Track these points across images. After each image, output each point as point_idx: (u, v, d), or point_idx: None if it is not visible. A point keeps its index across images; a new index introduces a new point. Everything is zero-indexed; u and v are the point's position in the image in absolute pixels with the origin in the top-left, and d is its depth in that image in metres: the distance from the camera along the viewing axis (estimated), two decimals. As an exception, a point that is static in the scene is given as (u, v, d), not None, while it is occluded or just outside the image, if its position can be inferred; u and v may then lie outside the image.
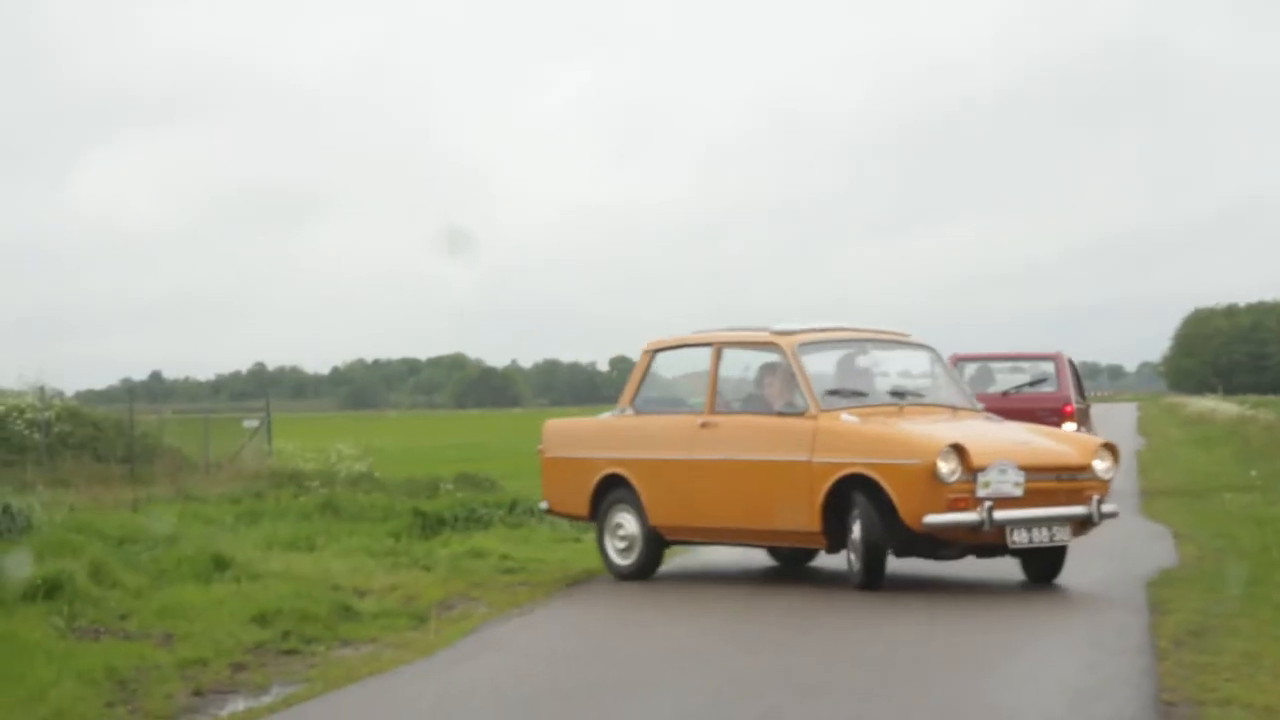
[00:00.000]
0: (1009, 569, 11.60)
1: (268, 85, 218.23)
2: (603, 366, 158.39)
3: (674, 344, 12.84)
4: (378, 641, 9.64)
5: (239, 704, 7.82)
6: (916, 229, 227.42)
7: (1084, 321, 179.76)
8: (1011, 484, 10.73)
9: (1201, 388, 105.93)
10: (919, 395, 12.09)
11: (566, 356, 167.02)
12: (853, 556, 11.08)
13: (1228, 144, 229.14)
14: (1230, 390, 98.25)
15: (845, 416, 11.32)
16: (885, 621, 9.83)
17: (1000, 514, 10.66)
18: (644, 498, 12.31)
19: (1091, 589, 11.19)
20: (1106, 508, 11.18)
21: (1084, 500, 11.04)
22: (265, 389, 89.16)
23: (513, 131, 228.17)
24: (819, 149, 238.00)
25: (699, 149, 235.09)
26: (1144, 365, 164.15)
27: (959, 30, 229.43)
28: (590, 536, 15.62)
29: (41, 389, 27.88)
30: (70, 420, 27.89)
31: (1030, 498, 10.82)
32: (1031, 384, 18.94)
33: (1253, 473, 21.48)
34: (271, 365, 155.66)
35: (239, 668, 8.69)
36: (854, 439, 11.13)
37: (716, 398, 12.21)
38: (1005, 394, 18.22)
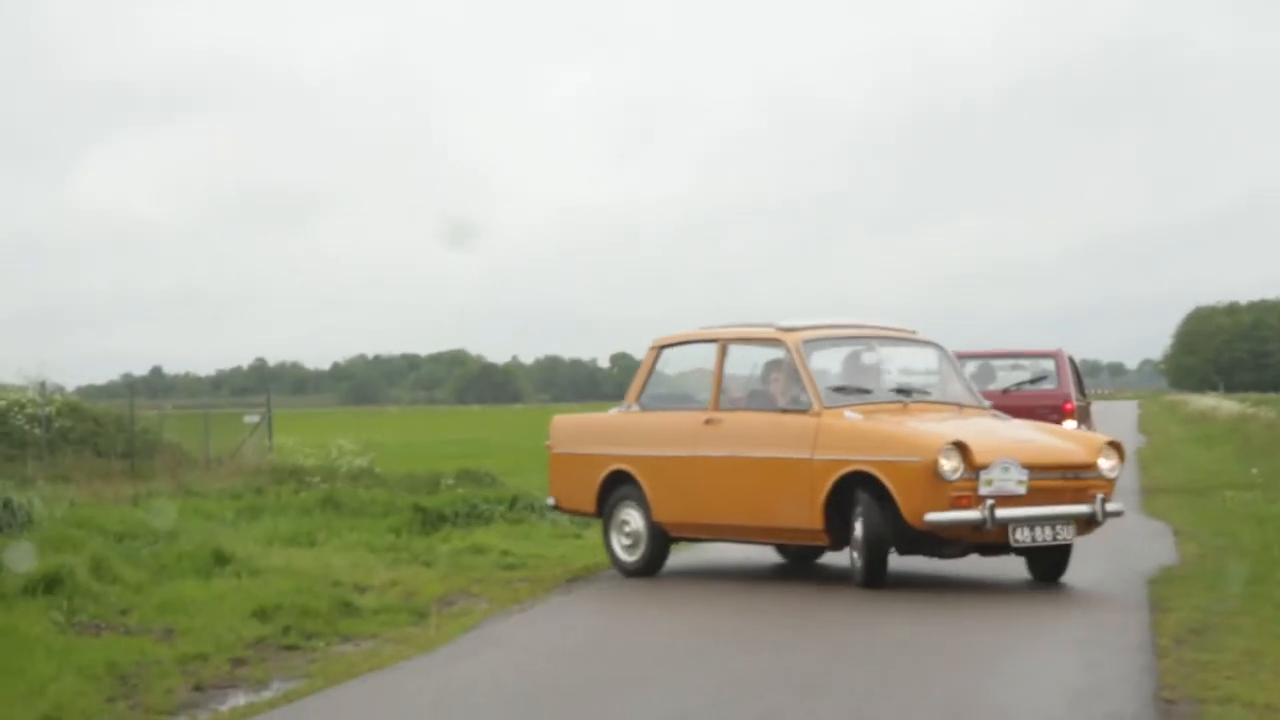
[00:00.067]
0: (1013, 568, 11.58)
1: (269, 83, 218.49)
2: (604, 363, 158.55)
3: (680, 340, 12.83)
4: (378, 637, 9.63)
5: (239, 699, 7.82)
6: (917, 228, 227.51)
7: (1085, 319, 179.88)
8: (1014, 482, 10.69)
9: (1203, 385, 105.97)
10: (925, 393, 12.05)
11: (567, 353, 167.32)
12: (855, 555, 11.06)
13: (1228, 143, 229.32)
14: (1231, 388, 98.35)
15: (848, 414, 11.29)
16: (886, 620, 9.82)
17: (1002, 512, 10.62)
18: (649, 494, 12.30)
19: (1092, 587, 11.18)
20: (1111, 506, 11.14)
21: (1088, 499, 11.00)
22: (266, 384, 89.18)
23: (513, 130, 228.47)
24: (819, 148, 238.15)
25: (699, 148, 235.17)
26: (1145, 363, 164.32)
27: (959, 30, 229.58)
28: (590, 533, 15.65)
29: (42, 384, 27.88)
30: (71, 415, 27.89)
31: (1034, 496, 10.78)
32: (1032, 381, 18.90)
33: (1254, 470, 21.49)
34: (272, 361, 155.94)
35: (239, 663, 8.69)
36: (856, 436, 11.10)
37: (722, 394, 12.18)
38: (1005, 391, 18.19)
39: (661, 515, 12.25)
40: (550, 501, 13.64)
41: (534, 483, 21.59)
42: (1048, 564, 11.35)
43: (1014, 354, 19.88)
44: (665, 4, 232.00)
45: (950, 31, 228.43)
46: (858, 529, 10.96)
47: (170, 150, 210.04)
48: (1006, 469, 10.68)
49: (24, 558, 10.57)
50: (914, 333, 12.59)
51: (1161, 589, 10.94)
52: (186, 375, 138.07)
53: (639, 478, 12.40)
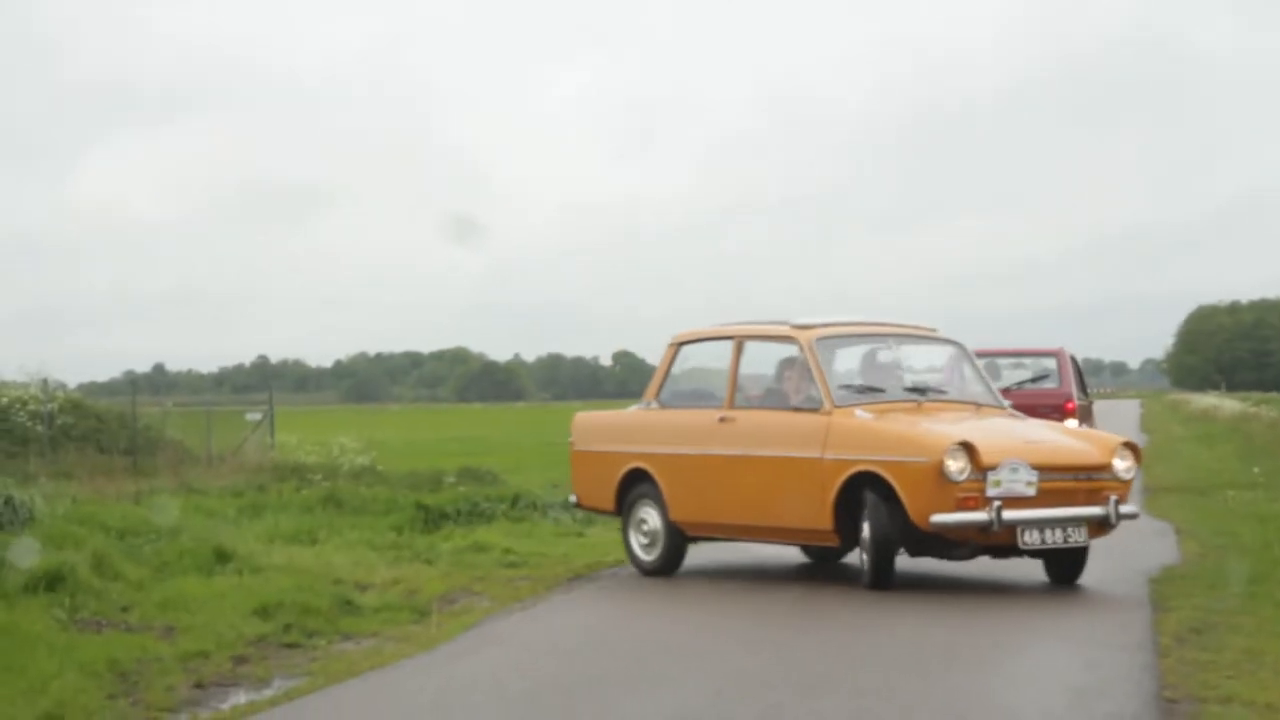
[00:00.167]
0: (1026, 570, 11.44)
1: (269, 82, 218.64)
2: (606, 361, 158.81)
3: (698, 337, 12.74)
4: (379, 635, 9.63)
5: (240, 697, 7.82)
6: (918, 226, 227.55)
7: (1087, 318, 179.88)
8: (1024, 483, 10.54)
9: (1204, 384, 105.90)
10: (941, 392, 11.95)
11: (569, 351, 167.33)
12: (864, 556, 10.96)
13: (1229, 142, 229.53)
14: (1233, 387, 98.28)
15: (859, 413, 11.19)
16: (889, 619, 9.82)
17: (1010, 514, 10.48)
18: (665, 493, 12.25)
19: (1093, 586, 11.16)
20: (1125, 509, 10.96)
21: (1102, 501, 10.84)
22: (268, 382, 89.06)
23: (514, 129, 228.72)
24: (820, 147, 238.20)
25: (699, 147, 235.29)
26: (1147, 362, 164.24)
27: (959, 30, 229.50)
28: (592, 531, 15.67)
29: (44, 381, 27.91)
30: (73, 412, 27.93)
31: (1044, 498, 10.62)
32: (1033, 380, 18.88)
33: (1255, 470, 21.50)
34: (274, 358, 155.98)
35: (240, 660, 8.69)
36: (865, 436, 10.99)
37: (737, 392, 12.10)
38: (1007, 390, 18.18)
39: (678, 514, 12.20)
40: (572, 499, 13.60)
41: (536, 481, 21.63)
42: (1063, 566, 11.19)
43: (1015, 353, 19.86)
44: (665, 4, 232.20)
45: (950, 31, 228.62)
46: (865, 530, 10.85)
47: (170, 150, 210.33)
48: (1015, 470, 10.53)
49: (27, 553, 10.56)
50: (934, 331, 12.45)
51: (1163, 588, 10.93)
52: (189, 372, 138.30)
53: (656, 476, 12.35)
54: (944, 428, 10.95)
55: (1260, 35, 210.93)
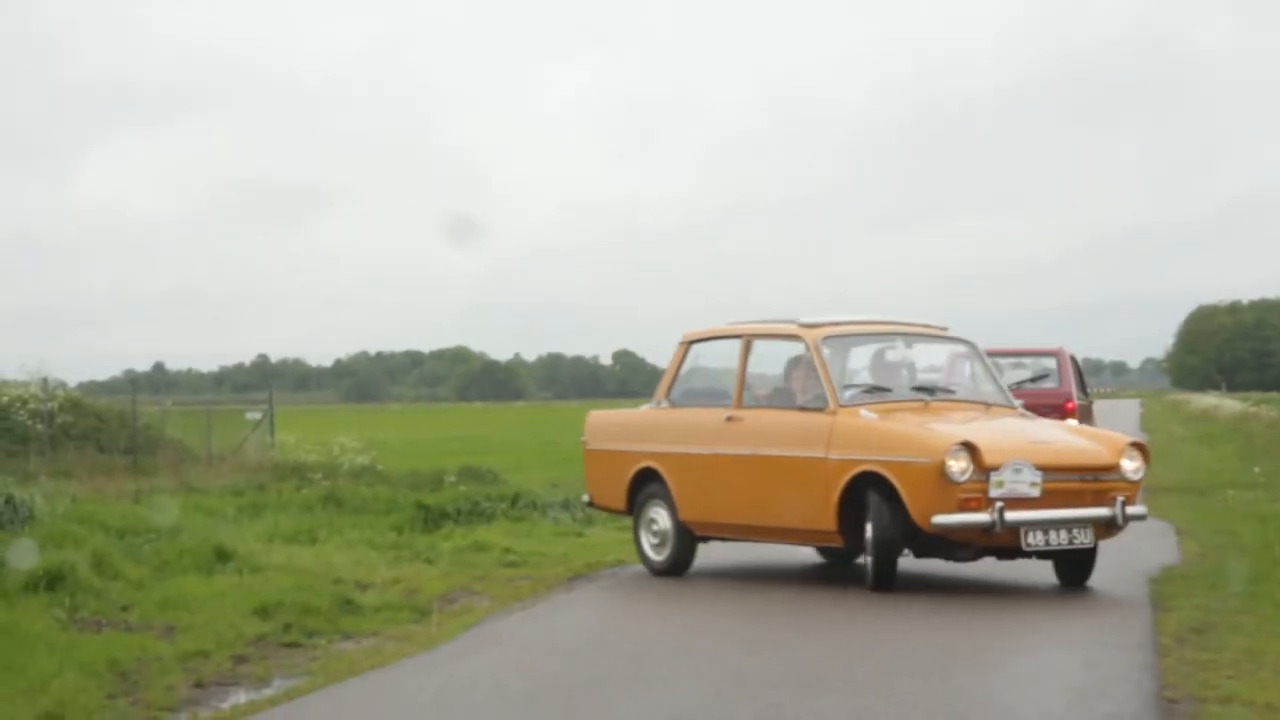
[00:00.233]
0: (1033, 571, 11.38)
1: (269, 82, 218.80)
2: (606, 360, 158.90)
3: (708, 335, 12.69)
4: (379, 635, 9.63)
5: (240, 696, 7.81)
6: (917, 228, 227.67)
7: (1087, 318, 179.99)
8: (1027, 484, 10.43)
9: (1205, 384, 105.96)
10: (949, 391, 11.89)
11: (570, 350, 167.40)
12: (868, 557, 10.87)
13: (1229, 142, 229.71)
14: (1233, 387, 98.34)
15: (864, 413, 11.11)
16: (890, 620, 9.82)
17: (1013, 515, 10.37)
18: (674, 492, 12.21)
19: (1094, 585, 11.14)
20: (1132, 510, 10.80)
21: (1108, 502, 10.71)
22: (268, 381, 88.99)
23: (514, 129, 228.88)
24: (820, 147, 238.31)
25: (699, 147, 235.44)
26: (1147, 362, 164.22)
27: (959, 30, 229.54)
28: (592, 531, 15.68)
29: (44, 380, 27.91)
30: (73, 411, 27.93)
31: (1049, 498, 10.52)
32: (1033, 380, 18.86)
33: (1255, 469, 21.51)
34: (275, 357, 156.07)
35: (240, 660, 8.69)
36: (868, 436, 10.90)
37: (745, 391, 12.03)
38: (1007, 390, 18.19)
39: (686, 514, 12.15)
40: (585, 498, 13.58)
41: (536, 480, 21.64)
42: (1071, 568, 11.09)
43: (1015, 352, 19.83)
44: (665, 4, 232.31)
45: (950, 31, 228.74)
46: (867, 530, 10.77)
47: (170, 150, 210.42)
48: (1019, 471, 10.42)
49: (25, 555, 10.56)
50: (945, 329, 12.35)
51: (1163, 588, 10.93)
52: (189, 371, 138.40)
53: (665, 475, 12.31)
54: (947, 428, 10.85)
55: (1260, 35, 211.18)
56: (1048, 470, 10.56)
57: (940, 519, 10.41)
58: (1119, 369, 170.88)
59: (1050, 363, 19.20)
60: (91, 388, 49.41)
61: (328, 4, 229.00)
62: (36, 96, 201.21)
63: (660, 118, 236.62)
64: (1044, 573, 11.35)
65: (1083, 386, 20.06)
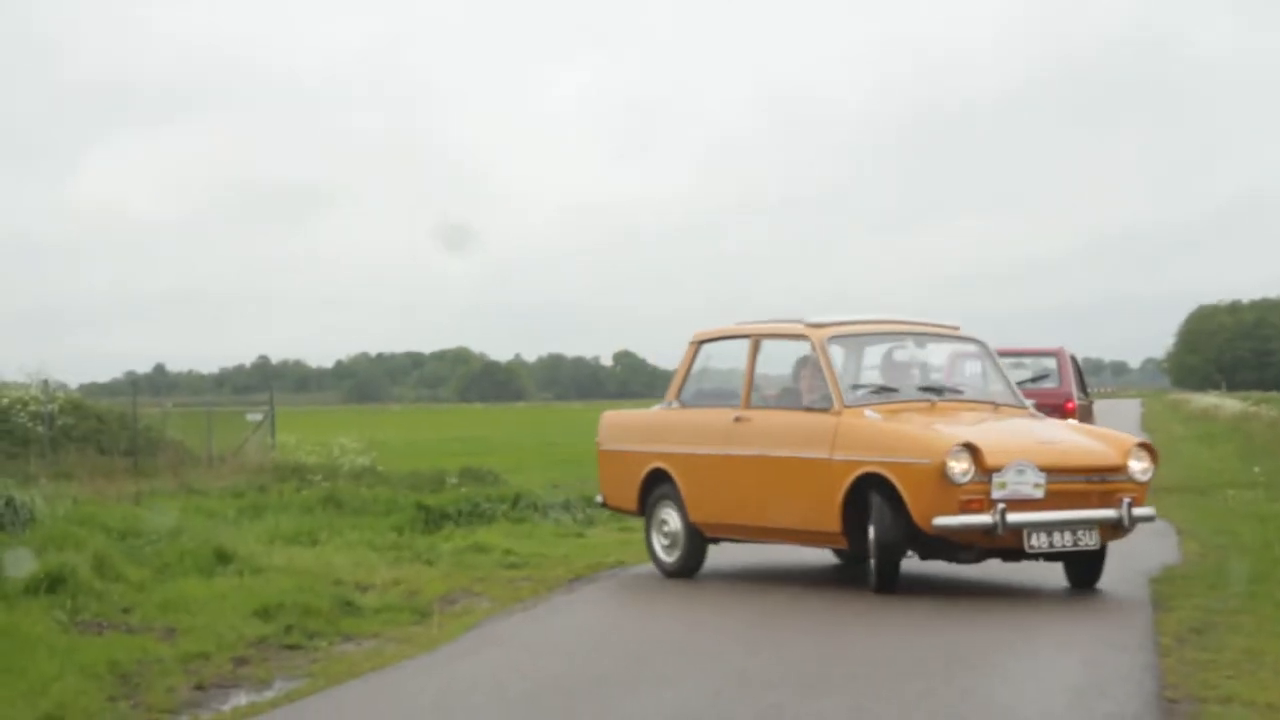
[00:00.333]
0: (1042, 573, 11.33)
1: (269, 82, 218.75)
2: (606, 361, 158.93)
3: (718, 335, 12.64)
4: (380, 636, 9.63)
5: (241, 698, 7.82)
6: (917, 228, 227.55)
7: (1087, 318, 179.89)
8: (1030, 485, 10.33)
9: (1205, 384, 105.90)
10: (957, 391, 11.81)
11: (570, 351, 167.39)
12: (871, 559, 10.81)
13: (1230, 141, 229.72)
14: (1234, 387, 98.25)
15: (868, 413, 11.02)
16: (889, 620, 9.82)
17: (1015, 516, 10.28)
18: (684, 493, 12.18)
19: (1095, 586, 11.14)
20: (1140, 511, 10.68)
21: (1115, 503, 10.59)
22: (269, 382, 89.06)
23: (514, 129, 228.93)
24: (820, 147, 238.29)
25: (699, 147, 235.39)
26: (1148, 361, 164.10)
27: (959, 30, 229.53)
28: (592, 532, 15.70)
29: (45, 382, 27.90)
30: (73, 413, 27.93)
31: (1054, 500, 10.41)
32: (1033, 380, 18.83)
33: (1256, 469, 21.50)
34: (275, 359, 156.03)
35: (241, 662, 8.69)
36: (871, 436, 10.83)
37: (754, 391, 11.99)
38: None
39: (696, 515, 12.12)
40: (599, 499, 13.57)
41: (537, 481, 21.65)
42: (1080, 570, 11.00)
43: (1015, 352, 19.79)
44: (665, 4, 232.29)
45: (950, 31, 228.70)
46: (870, 532, 10.71)
47: (170, 150, 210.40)
48: (1022, 472, 10.33)
49: (22, 562, 10.53)
50: (956, 329, 12.23)
51: (1163, 587, 10.93)
52: (189, 373, 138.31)
53: (675, 476, 12.28)
54: (950, 429, 10.74)
55: (1260, 35, 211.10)
56: (1052, 471, 10.46)
57: (941, 521, 10.33)
58: (1119, 369, 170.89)
59: (1050, 363, 19.20)
60: (92, 389, 49.44)
61: (328, 4, 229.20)
62: (36, 96, 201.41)
63: (660, 118, 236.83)
64: (1049, 574, 11.33)
65: (1083, 386, 20.06)
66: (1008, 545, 10.50)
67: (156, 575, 11.49)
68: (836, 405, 11.16)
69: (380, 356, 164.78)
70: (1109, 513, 10.59)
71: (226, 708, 7.59)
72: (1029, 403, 11.97)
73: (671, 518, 12.33)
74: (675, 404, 12.67)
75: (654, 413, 12.98)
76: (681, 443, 12.32)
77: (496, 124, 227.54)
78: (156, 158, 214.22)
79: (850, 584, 11.38)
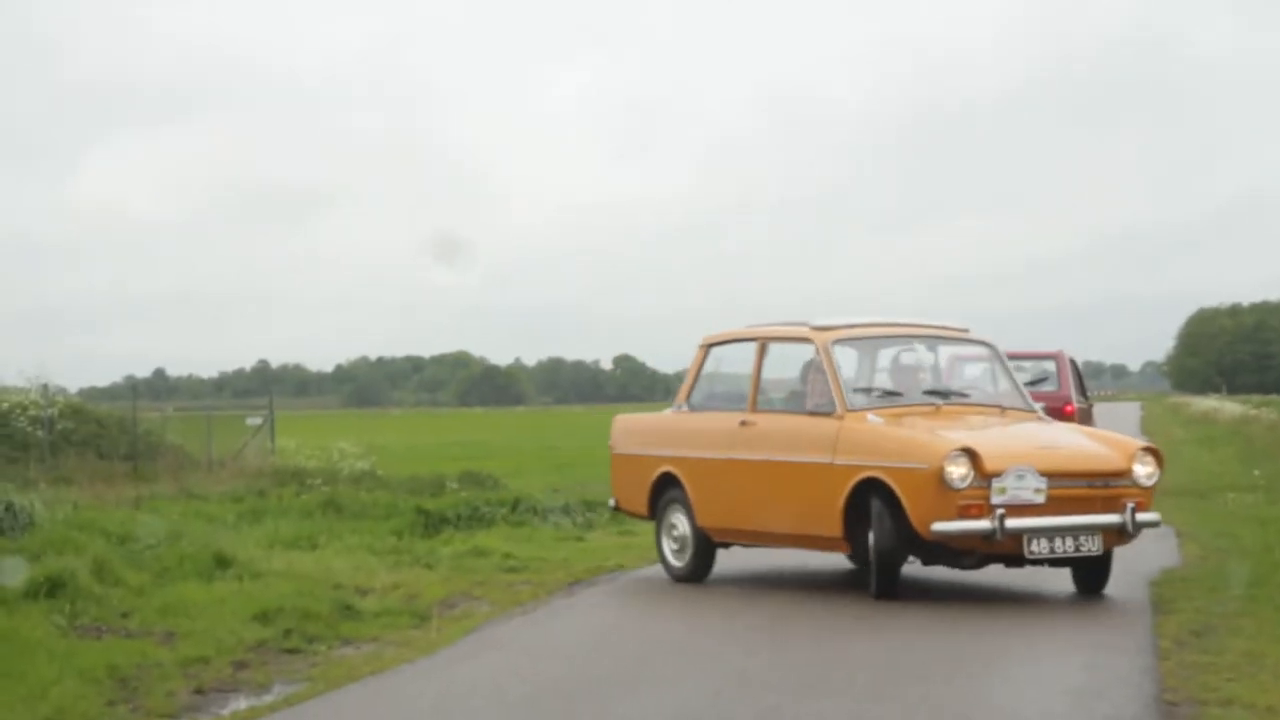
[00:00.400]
0: (1047, 579, 11.29)
1: (269, 82, 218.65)
2: (606, 364, 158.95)
3: (726, 338, 12.60)
4: (379, 640, 9.63)
5: (240, 702, 7.82)
6: (917, 228, 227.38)
7: (1087, 319, 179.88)
8: (1031, 490, 10.23)
9: (1205, 387, 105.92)
10: (963, 395, 11.68)
11: (570, 354, 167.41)
12: (871, 564, 10.74)
13: (1230, 141, 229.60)
14: (1234, 390, 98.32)
15: (871, 417, 10.94)
16: (889, 623, 9.82)
17: (1015, 522, 10.17)
18: (692, 498, 12.14)
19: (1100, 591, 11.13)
20: (1145, 516, 10.57)
21: (1118, 508, 10.48)
22: (268, 386, 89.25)
23: (514, 130, 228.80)
24: (820, 147, 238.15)
25: (699, 147, 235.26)
26: (1148, 364, 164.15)
27: (959, 30, 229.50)
28: (592, 536, 15.70)
29: (45, 386, 27.88)
30: (73, 417, 27.90)
31: (1055, 505, 10.31)
32: (1032, 383, 18.80)
33: (1256, 472, 21.51)
34: (275, 363, 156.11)
35: (241, 666, 8.69)
36: (873, 441, 10.75)
37: (760, 395, 11.93)
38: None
39: (704, 519, 12.06)
40: (611, 503, 13.54)
41: (536, 485, 21.65)
42: (1086, 575, 10.92)
43: (1015, 355, 19.75)
44: (665, 4, 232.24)
45: (950, 31, 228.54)
46: (870, 537, 10.63)
47: (170, 150, 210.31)
48: (1022, 477, 10.23)
49: (15, 571, 10.51)
50: (965, 331, 12.13)
51: (1163, 590, 10.93)
52: (189, 377, 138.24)
53: (683, 480, 12.24)
54: (950, 433, 10.64)
55: (1260, 35, 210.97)
56: (1054, 476, 10.36)
57: (940, 526, 10.24)
58: (1119, 372, 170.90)
59: (1050, 366, 19.20)
60: (92, 394, 49.44)
61: (328, 4, 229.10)
62: (36, 96, 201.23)
63: (660, 118, 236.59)
64: (1051, 579, 11.29)
65: (1082, 390, 20.06)
66: (1007, 551, 10.43)
67: (156, 580, 11.49)
68: (839, 409, 11.07)
69: (380, 360, 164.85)
70: (1112, 518, 10.49)
71: (226, 712, 7.59)
72: (1038, 406, 11.87)
73: (680, 522, 12.29)
74: (684, 407, 12.64)
75: (664, 416, 12.96)
76: (689, 446, 12.29)
77: (496, 124, 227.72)
78: (156, 158, 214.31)
79: (853, 589, 11.37)
